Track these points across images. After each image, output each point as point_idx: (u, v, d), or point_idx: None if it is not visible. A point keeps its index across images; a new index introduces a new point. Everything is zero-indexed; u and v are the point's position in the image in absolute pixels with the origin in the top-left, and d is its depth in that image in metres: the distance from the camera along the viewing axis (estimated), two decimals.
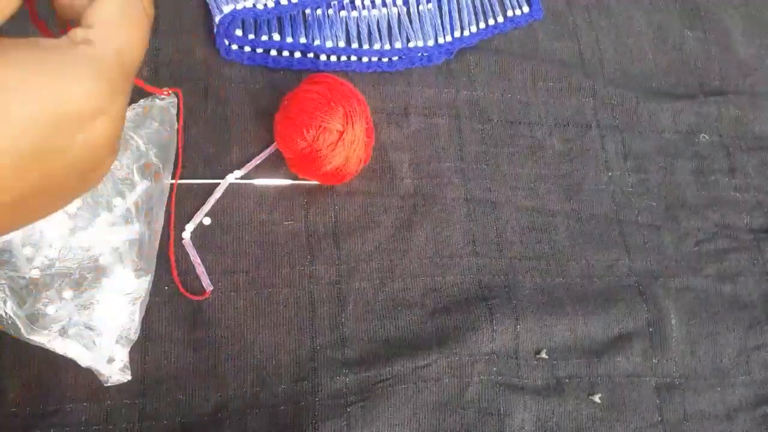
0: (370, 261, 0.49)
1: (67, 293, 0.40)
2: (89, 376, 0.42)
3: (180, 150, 0.47)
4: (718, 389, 0.51)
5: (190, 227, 0.46)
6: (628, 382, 0.49)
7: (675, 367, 0.51)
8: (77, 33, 0.25)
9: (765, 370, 0.52)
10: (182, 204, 0.47)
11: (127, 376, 0.41)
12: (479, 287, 0.50)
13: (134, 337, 0.42)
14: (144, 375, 0.43)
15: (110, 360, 0.41)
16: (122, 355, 0.41)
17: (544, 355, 0.48)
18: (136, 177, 0.43)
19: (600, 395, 0.48)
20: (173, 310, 0.45)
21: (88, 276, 0.41)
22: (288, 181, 0.49)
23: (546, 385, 0.48)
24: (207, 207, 0.47)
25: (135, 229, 0.42)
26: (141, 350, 0.43)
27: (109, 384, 0.41)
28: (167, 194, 0.46)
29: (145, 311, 0.44)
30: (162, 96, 0.47)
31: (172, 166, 0.47)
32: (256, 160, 0.49)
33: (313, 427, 0.43)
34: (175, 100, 0.48)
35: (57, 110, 0.23)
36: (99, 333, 0.40)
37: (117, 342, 0.41)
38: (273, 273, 0.47)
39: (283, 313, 0.46)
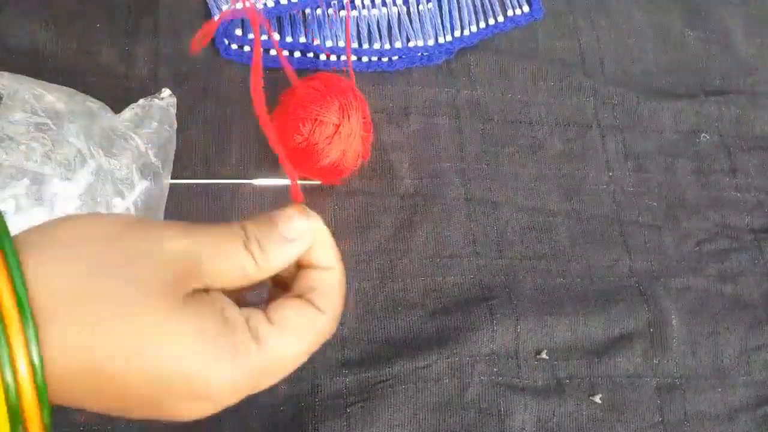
0: (370, 261, 0.49)
1: None
2: None
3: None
4: (719, 390, 0.51)
5: None
6: (629, 383, 0.49)
7: (676, 368, 0.51)
8: (260, 327, 0.25)
9: (766, 371, 0.52)
10: (184, 204, 0.47)
11: None
12: (479, 287, 0.50)
13: None
14: None
15: None
16: None
17: (544, 355, 0.48)
18: (136, 177, 0.43)
19: (600, 396, 0.48)
20: None
21: None
22: (288, 181, 0.49)
23: (546, 385, 0.48)
24: None
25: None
26: None
27: None
28: (166, 194, 0.46)
29: None
30: (162, 96, 0.47)
31: (172, 166, 0.46)
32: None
33: (313, 428, 0.43)
34: (175, 100, 0.48)
35: (185, 373, 0.23)
36: None
37: None
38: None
39: None
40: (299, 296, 0.27)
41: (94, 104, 0.44)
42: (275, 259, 0.26)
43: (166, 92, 0.47)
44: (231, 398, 0.25)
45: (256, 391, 0.26)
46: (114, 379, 0.22)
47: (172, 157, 0.46)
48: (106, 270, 0.23)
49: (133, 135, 0.44)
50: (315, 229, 0.27)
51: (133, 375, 0.22)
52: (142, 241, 0.24)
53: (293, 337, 0.26)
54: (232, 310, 0.24)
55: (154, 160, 0.44)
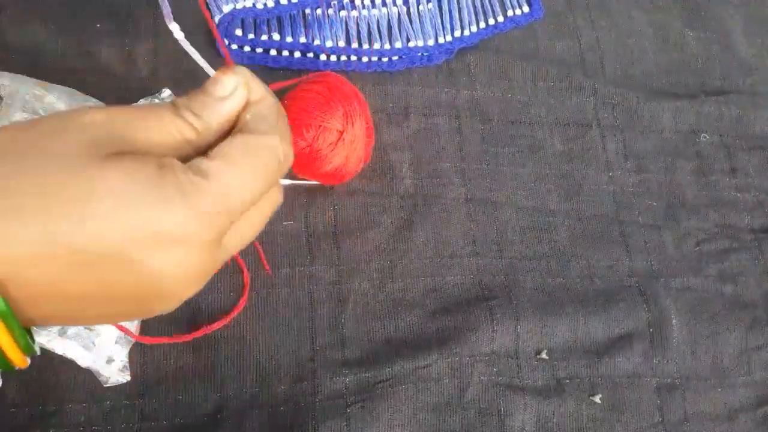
0: (370, 261, 0.49)
1: None
2: (89, 376, 0.42)
3: None
4: (719, 390, 0.51)
5: None
6: (629, 383, 0.49)
7: (676, 368, 0.51)
8: (199, 162, 0.25)
9: (766, 371, 0.52)
10: None
11: (126, 377, 0.41)
12: (479, 287, 0.50)
13: (133, 338, 0.42)
14: (143, 375, 0.43)
15: (109, 360, 0.40)
16: (122, 356, 0.41)
17: (544, 355, 0.48)
18: None
19: (600, 396, 0.48)
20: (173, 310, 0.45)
21: None
22: (288, 181, 0.49)
23: (546, 385, 0.48)
24: None
25: None
26: (140, 351, 0.43)
27: (108, 384, 0.41)
28: None
29: None
30: (162, 96, 0.47)
31: None
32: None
33: (313, 428, 0.43)
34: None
35: (137, 231, 0.23)
36: (98, 333, 0.40)
37: (116, 342, 0.41)
38: (273, 273, 0.47)
39: (282, 313, 0.46)
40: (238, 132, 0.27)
41: (94, 104, 0.44)
42: (212, 119, 0.26)
43: (166, 92, 0.47)
44: (196, 240, 0.24)
45: (217, 233, 0.25)
46: (67, 259, 0.22)
47: None
48: (20, 148, 0.23)
49: None
50: (245, 81, 0.27)
51: (83, 242, 0.22)
52: (57, 121, 0.24)
53: (241, 164, 0.25)
54: (170, 159, 0.24)
55: None
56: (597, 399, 0.48)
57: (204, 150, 0.26)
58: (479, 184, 0.53)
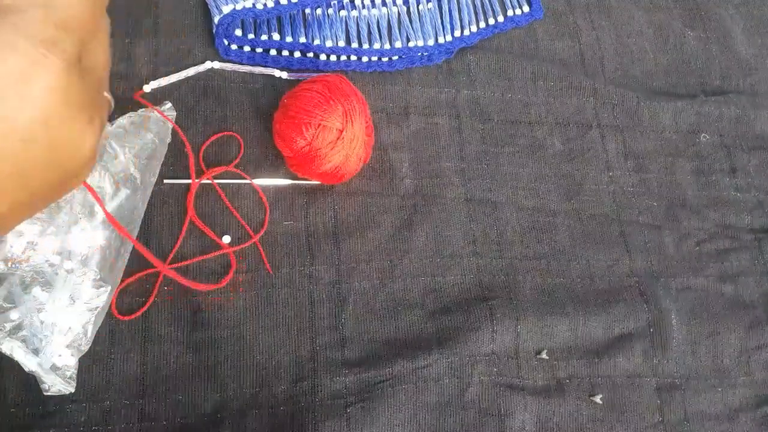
0: (370, 261, 0.49)
1: (21, 293, 0.39)
2: (88, 376, 0.42)
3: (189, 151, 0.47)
4: (719, 390, 0.51)
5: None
6: (629, 383, 0.49)
7: (676, 368, 0.51)
8: None
9: (766, 371, 0.52)
10: (184, 203, 0.47)
11: (70, 388, 0.40)
12: (479, 287, 0.50)
13: (85, 347, 0.40)
14: (144, 375, 0.43)
15: (54, 368, 0.39)
16: (70, 365, 0.40)
17: (544, 355, 0.48)
18: (109, 187, 0.41)
19: (601, 396, 0.48)
20: (173, 310, 0.45)
21: (43, 279, 0.39)
22: (288, 181, 0.49)
23: (546, 385, 0.48)
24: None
25: (102, 237, 0.40)
26: (141, 351, 0.43)
27: (49, 393, 0.39)
28: (144, 208, 0.45)
29: (146, 312, 0.44)
30: (163, 108, 0.46)
31: (155, 179, 0.46)
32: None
33: (313, 428, 0.43)
34: (175, 114, 0.47)
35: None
36: (48, 339, 0.39)
37: (68, 349, 0.40)
38: (273, 273, 0.47)
39: (283, 313, 0.46)
40: None
41: None
42: None
43: (167, 105, 0.47)
44: (55, 65, 0.24)
45: (68, 52, 0.25)
46: None
47: (157, 170, 0.46)
48: None
49: (125, 144, 0.43)
50: None
51: None
52: None
53: None
54: None
55: (133, 171, 0.43)
56: (597, 399, 0.48)
57: None
58: (479, 184, 0.53)
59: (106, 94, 0.31)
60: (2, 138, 0.24)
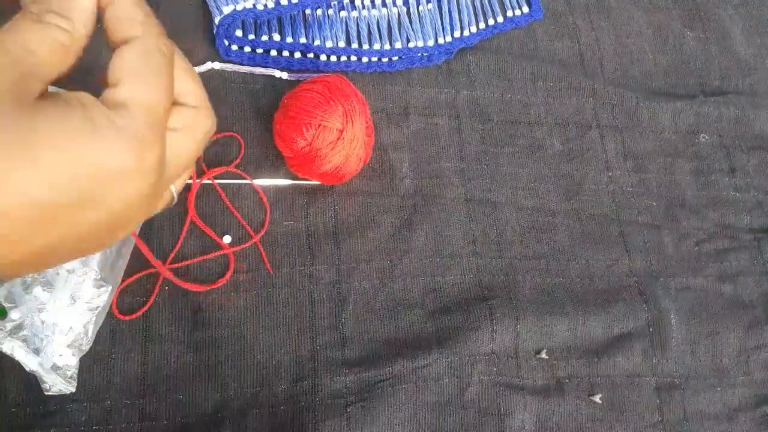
0: (370, 261, 0.49)
1: (22, 293, 0.39)
2: (88, 376, 0.42)
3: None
4: (718, 389, 0.51)
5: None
6: (628, 382, 0.49)
7: (675, 367, 0.51)
8: (109, 95, 0.25)
9: (765, 370, 0.52)
10: (184, 204, 0.47)
11: (71, 388, 0.40)
12: (479, 287, 0.50)
13: (86, 347, 0.41)
14: (144, 375, 0.43)
15: (56, 368, 0.39)
16: (71, 365, 0.40)
17: (544, 355, 0.48)
18: None
19: (600, 395, 0.48)
20: (173, 310, 0.45)
21: (43, 278, 0.39)
22: (288, 181, 0.49)
23: (546, 385, 0.48)
24: None
25: None
26: (141, 351, 0.43)
27: (50, 393, 0.40)
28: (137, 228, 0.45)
29: (146, 311, 0.44)
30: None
31: None
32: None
33: (313, 427, 0.43)
34: None
35: (84, 170, 0.23)
36: (49, 339, 0.39)
37: (69, 349, 0.40)
38: (273, 273, 0.47)
39: (283, 313, 0.46)
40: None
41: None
42: (73, 15, 0.26)
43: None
44: (141, 154, 0.24)
45: (160, 122, 0.26)
46: (23, 215, 0.22)
47: None
48: None
49: None
50: None
51: (36, 193, 0.22)
52: None
53: (143, 78, 0.26)
54: (88, 97, 0.25)
55: None
56: (596, 398, 0.48)
57: (79, 54, 0.27)
58: (479, 184, 0.53)
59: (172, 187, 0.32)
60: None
